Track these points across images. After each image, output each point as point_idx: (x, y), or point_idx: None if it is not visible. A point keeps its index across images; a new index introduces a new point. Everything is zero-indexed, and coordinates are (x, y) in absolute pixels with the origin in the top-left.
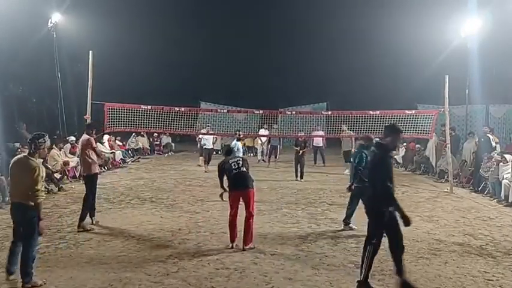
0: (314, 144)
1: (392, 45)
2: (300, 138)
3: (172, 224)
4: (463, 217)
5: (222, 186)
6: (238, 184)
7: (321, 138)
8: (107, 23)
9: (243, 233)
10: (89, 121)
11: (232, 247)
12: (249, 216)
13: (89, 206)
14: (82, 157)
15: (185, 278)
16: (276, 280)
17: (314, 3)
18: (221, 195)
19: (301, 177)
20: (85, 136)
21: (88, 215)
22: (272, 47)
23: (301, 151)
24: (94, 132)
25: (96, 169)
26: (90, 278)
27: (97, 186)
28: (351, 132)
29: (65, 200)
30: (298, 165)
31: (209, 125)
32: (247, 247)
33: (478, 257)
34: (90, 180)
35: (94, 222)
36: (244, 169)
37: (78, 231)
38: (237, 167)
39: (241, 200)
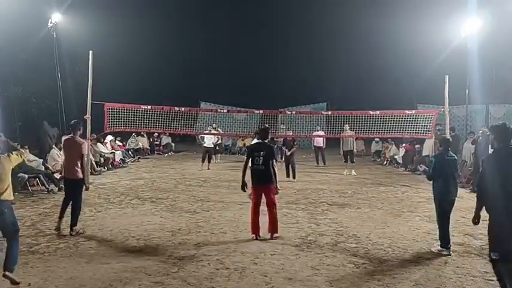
0: (315, 144)
1: (392, 45)
2: (288, 138)
3: (173, 224)
4: (463, 217)
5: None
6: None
7: (322, 139)
8: (107, 23)
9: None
10: (89, 121)
11: (256, 238)
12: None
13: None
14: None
15: (185, 278)
16: (276, 280)
17: (314, 4)
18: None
19: (294, 177)
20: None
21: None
22: (273, 48)
23: (289, 151)
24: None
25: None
26: (90, 278)
27: (66, 189)
28: (352, 132)
29: None
30: (289, 165)
31: (214, 126)
32: (274, 235)
33: (478, 257)
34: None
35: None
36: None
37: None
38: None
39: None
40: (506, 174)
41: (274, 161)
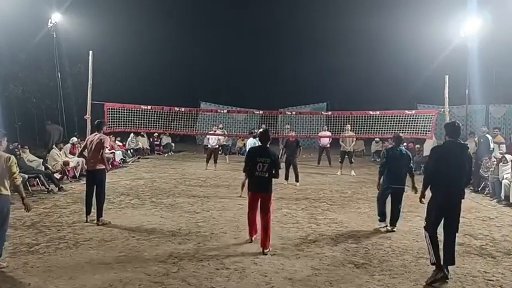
0: (321, 144)
1: (392, 46)
2: (291, 138)
3: (172, 224)
4: (463, 217)
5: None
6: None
7: (328, 139)
8: (107, 23)
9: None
10: (89, 121)
11: (251, 241)
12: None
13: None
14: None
15: (185, 278)
16: (276, 280)
17: (315, 4)
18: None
19: (297, 180)
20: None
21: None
22: (272, 48)
23: (297, 155)
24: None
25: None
26: (90, 278)
27: (88, 182)
28: (352, 132)
29: (65, 200)
30: (291, 167)
31: (221, 126)
32: (266, 250)
33: (478, 257)
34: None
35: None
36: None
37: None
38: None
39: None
40: (452, 163)
41: (278, 169)
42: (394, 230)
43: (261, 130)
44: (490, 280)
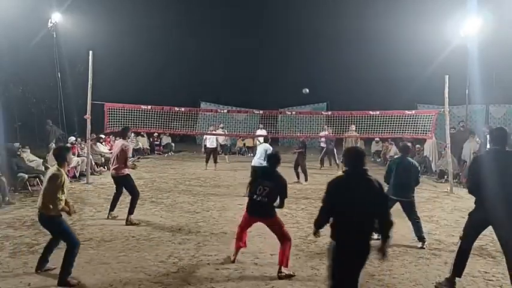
0: (321, 145)
1: (392, 45)
2: (300, 139)
3: (173, 224)
4: (463, 217)
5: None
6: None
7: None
8: (107, 23)
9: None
10: (89, 121)
11: (233, 260)
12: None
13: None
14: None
15: (185, 278)
16: (276, 280)
17: (313, 4)
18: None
19: (305, 179)
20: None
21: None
22: (272, 48)
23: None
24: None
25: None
26: (90, 278)
27: (116, 185)
28: (356, 133)
29: None
30: (299, 167)
31: (222, 126)
32: (282, 273)
33: (478, 257)
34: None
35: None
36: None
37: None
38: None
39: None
40: (502, 173)
41: (284, 198)
42: (424, 247)
43: (271, 154)
44: (490, 280)
